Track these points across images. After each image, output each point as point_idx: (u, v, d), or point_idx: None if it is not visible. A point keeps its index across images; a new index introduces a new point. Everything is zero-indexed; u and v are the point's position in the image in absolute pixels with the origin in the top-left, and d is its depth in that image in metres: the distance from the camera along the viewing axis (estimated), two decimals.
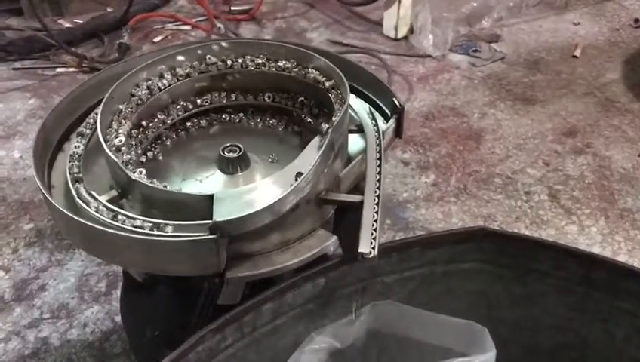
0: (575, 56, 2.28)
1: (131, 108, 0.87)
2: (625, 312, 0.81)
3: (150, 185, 0.74)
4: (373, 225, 0.74)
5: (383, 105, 0.97)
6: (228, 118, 1.00)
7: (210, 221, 0.69)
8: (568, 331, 0.86)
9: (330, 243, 0.79)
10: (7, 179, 1.76)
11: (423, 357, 0.75)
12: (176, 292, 0.94)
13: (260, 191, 0.72)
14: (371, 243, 0.72)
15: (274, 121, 0.99)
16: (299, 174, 0.74)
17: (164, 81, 0.92)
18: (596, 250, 1.46)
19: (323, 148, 0.76)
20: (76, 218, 0.72)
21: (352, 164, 0.84)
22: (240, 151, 0.87)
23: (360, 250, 0.71)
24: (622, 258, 1.44)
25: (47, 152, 0.88)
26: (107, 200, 0.77)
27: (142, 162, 0.90)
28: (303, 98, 0.97)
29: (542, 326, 0.88)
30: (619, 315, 0.82)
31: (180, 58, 0.94)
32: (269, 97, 0.99)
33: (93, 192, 0.78)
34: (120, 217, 0.73)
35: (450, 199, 1.64)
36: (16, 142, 1.92)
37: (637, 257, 1.45)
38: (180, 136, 0.97)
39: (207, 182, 0.87)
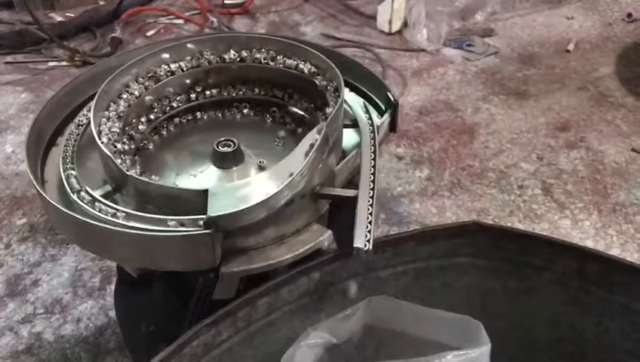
0: (568, 51, 2.28)
1: (124, 102, 0.87)
2: (619, 306, 0.81)
3: (144, 180, 0.74)
4: (368, 220, 0.74)
5: (377, 100, 0.97)
6: (222, 113, 0.99)
7: (204, 216, 0.68)
8: (564, 325, 0.87)
9: (325, 237, 0.79)
10: (0, 174, 1.75)
11: (418, 351, 0.75)
12: (170, 288, 0.94)
13: (255, 185, 0.72)
14: (366, 237, 0.72)
15: (268, 115, 0.98)
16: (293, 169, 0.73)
17: (157, 76, 0.92)
18: (589, 243, 1.47)
19: (318, 142, 0.76)
20: (70, 213, 0.72)
21: (346, 159, 0.83)
22: (234, 145, 0.86)
23: (355, 245, 0.71)
24: (614, 251, 1.44)
25: (40, 147, 0.87)
26: (101, 195, 0.76)
27: (135, 157, 0.89)
28: (297, 92, 0.96)
29: (538, 320, 0.88)
30: (613, 309, 0.82)
31: (173, 52, 0.93)
32: (263, 91, 0.98)
33: (86, 187, 0.77)
34: (114, 212, 0.73)
35: (444, 193, 1.64)
36: (9, 137, 1.91)
37: (629, 251, 1.45)
38: (174, 131, 0.97)
39: (202, 176, 0.87)
